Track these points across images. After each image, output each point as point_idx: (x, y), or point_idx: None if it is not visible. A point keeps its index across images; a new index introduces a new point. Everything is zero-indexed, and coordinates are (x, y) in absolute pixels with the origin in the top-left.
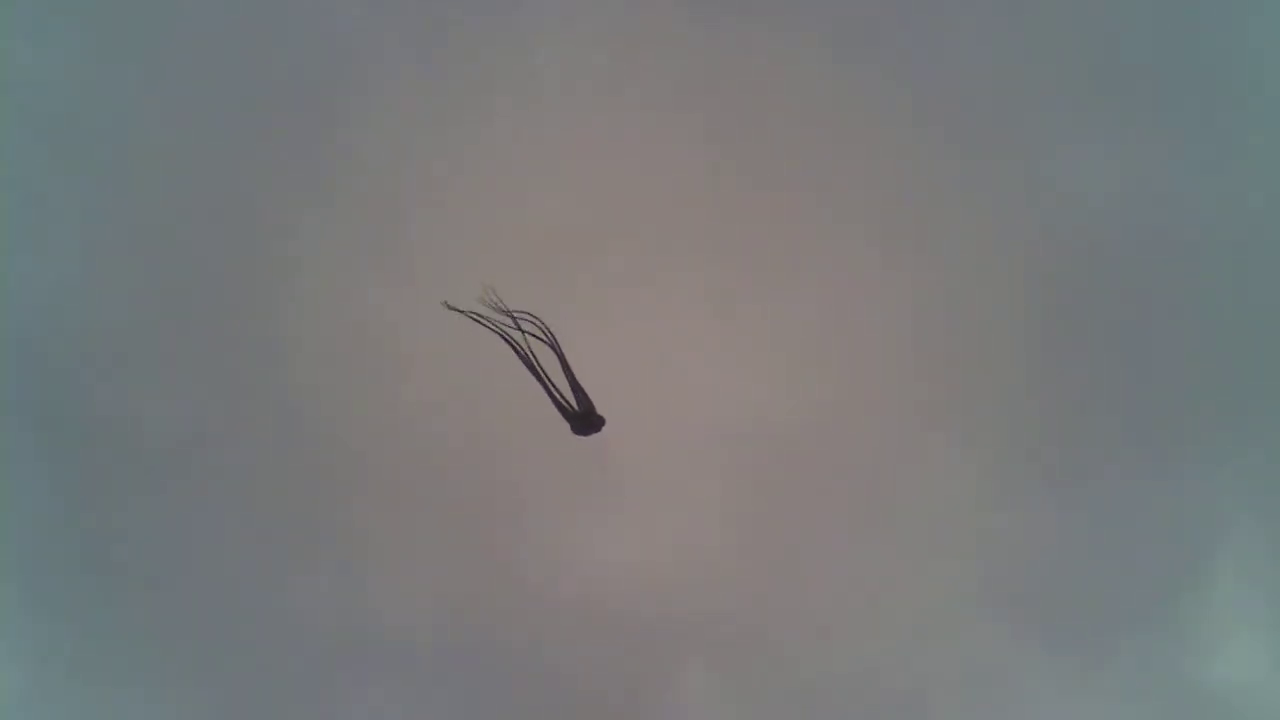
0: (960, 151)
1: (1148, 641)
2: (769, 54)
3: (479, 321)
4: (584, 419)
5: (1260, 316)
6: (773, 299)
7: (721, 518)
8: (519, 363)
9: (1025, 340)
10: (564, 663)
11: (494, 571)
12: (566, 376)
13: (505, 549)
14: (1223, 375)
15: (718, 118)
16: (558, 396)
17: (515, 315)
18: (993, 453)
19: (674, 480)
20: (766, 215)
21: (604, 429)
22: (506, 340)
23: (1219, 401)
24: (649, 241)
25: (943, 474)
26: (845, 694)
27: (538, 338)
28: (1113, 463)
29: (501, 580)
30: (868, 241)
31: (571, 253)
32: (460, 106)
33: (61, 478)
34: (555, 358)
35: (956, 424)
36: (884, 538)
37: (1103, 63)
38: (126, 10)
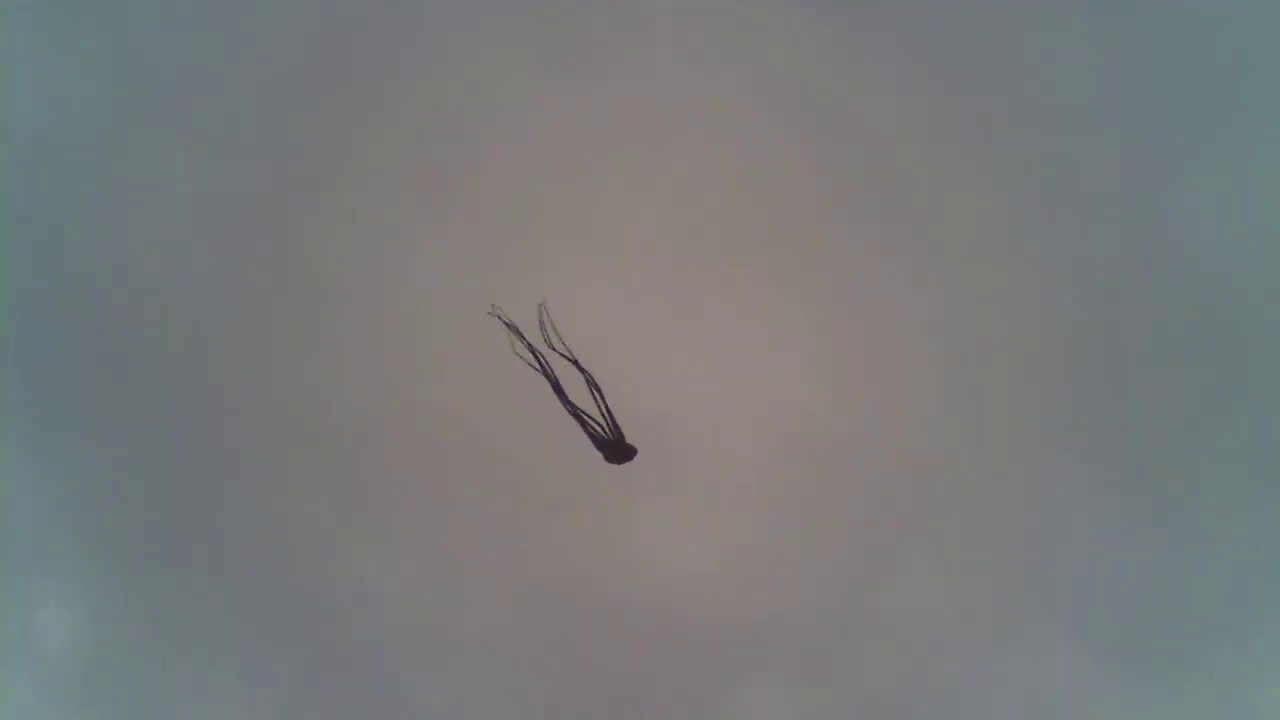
0: (1072, 178)
1: (1224, 671)
2: (882, 78)
3: (520, 345)
4: (616, 447)
5: None
6: (871, 314)
7: (792, 523)
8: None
9: (1119, 366)
10: (628, 662)
11: (564, 570)
12: (600, 407)
13: (574, 549)
14: None
15: (808, 133)
16: (591, 427)
17: (554, 349)
18: (1079, 473)
19: (743, 487)
20: (863, 233)
21: (635, 458)
22: (540, 369)
23: None
24: (719, 250)
25: (1023, 489)
26: (911, 706)
27: (576, 365)
28: (1201, 493)
29: (570, 579)
30: (971, 260)
31: (644, 257)
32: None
33: (155, 455)
34: (588, 388)
35: (1040, 443)
36: (959, 552)
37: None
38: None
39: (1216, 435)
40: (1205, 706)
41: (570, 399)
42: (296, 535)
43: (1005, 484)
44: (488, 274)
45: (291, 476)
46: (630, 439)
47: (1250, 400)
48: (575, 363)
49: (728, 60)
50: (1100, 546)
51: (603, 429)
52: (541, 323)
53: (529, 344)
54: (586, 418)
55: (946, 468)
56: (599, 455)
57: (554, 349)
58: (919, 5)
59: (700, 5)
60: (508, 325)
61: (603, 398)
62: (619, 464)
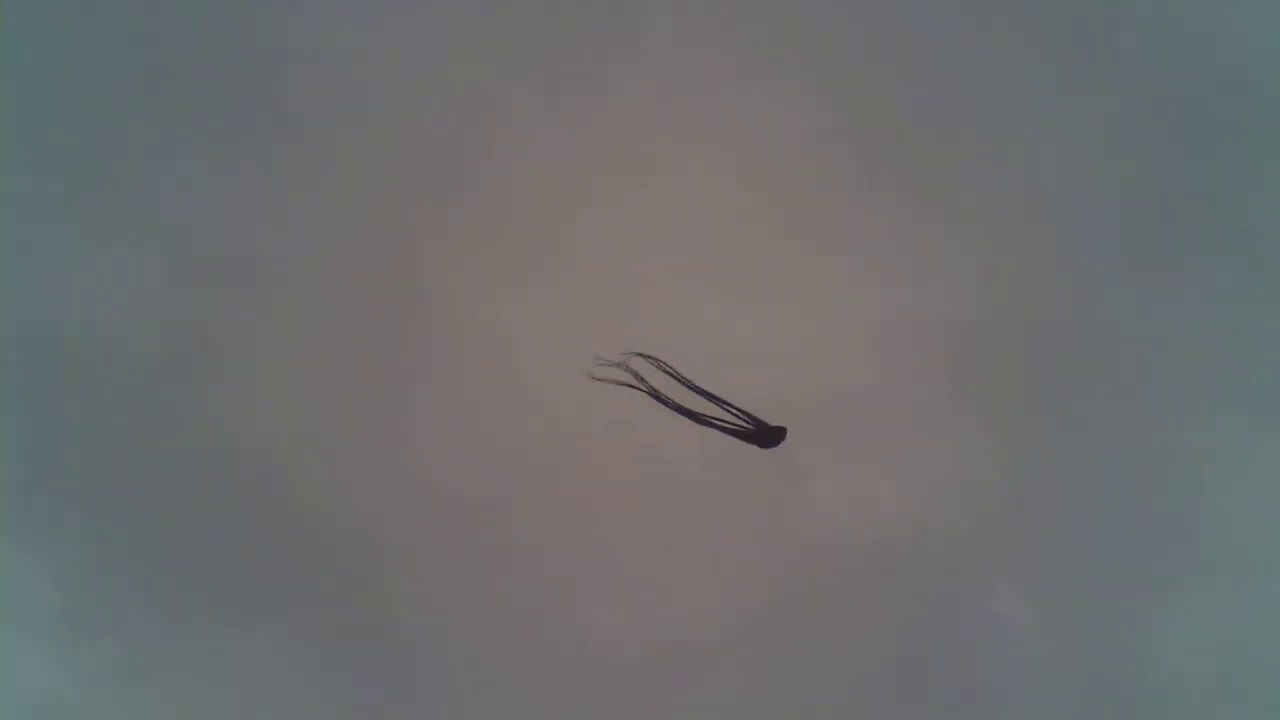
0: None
1: None
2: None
3: (632, 386)
4: (767, 434)
5: None
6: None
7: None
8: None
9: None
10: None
11: None
12: (720, 405)
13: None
14: None
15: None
16: (729, 427)
17: (637, 372)
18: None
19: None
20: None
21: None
22: (654, 396)
23: None
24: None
25: None
26: None
27: (688, 384)
28: None
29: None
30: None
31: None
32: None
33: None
34: (705, 399)
35: None
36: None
37: None
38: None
39: None
40: None
41: (697, 413)
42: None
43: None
44: (571, 329)
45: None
46: (772, 422)
47: None
48: (687, 383)
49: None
50: None
51: (740, 423)
52: (620, 365)
53: (639, 388)
54: (720, 422)
55: None
56: (754, 448)
57: (657, 380)
58: None
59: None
60: (624, 378)
61: (722, 399)
62: (775, 447)
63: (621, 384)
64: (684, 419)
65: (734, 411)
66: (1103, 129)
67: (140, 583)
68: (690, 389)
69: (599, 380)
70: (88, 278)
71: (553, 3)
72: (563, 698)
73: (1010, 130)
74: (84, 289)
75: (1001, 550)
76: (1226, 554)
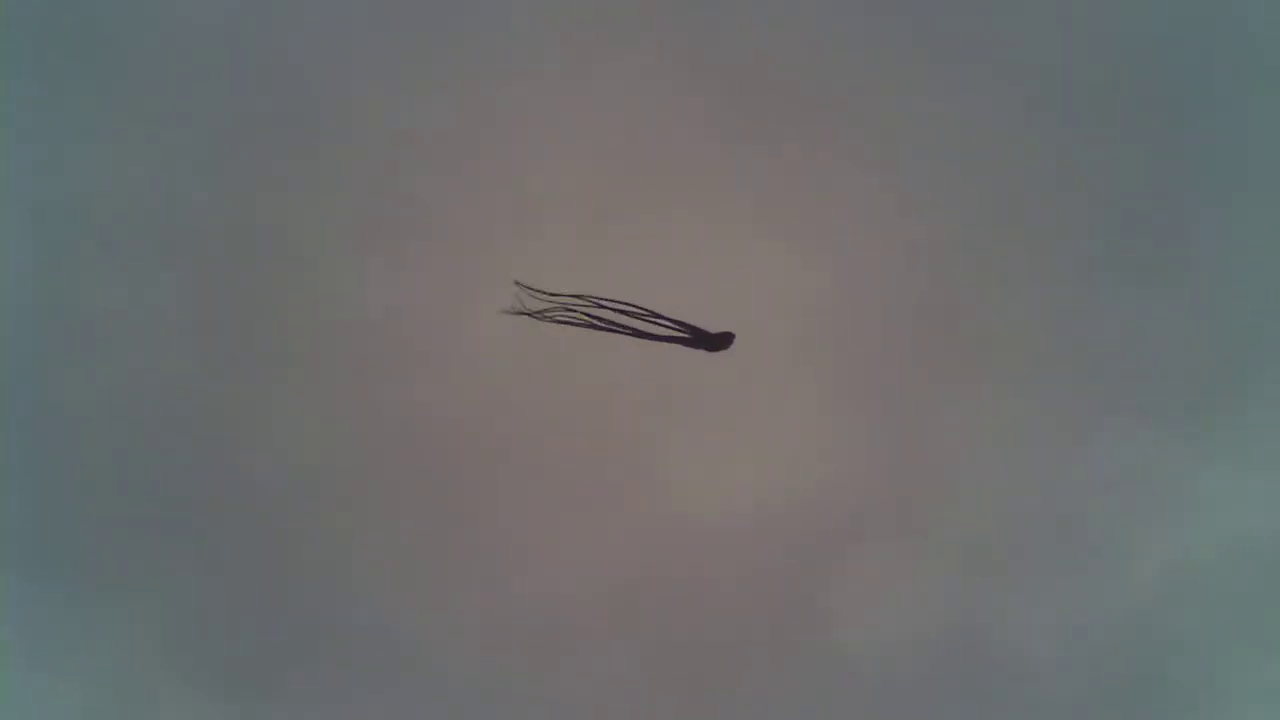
0: None
1: None
2: None
3: (548, 319)
4: (710, 339)
5: None
6: None
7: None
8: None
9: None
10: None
11: None
12: (657, 320)
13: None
14: None
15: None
16: (666, 334)
17: (566, 300)
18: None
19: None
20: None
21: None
22: (582, 322)
23: None
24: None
25: None
26: None
27: (603, 305)
28: None
29: None
30: None
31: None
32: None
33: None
34: (626, 315)
35: None
36: None
37: None
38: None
39: None
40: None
41: (642, 330)
42: None
43: None
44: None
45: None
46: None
47: None
48: (625, 307)
49: None
50: None
51: (681, 332)
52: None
53: (554, 312)
54: (666, 335)
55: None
56: (701, 353)
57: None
58: None
59: None
60: (531, 304)
61: (655, 313)
62: (724, 350)
63: (561, 322)
64: (630, 337)
65: (675, 325)
66: (962, 122)
67: None
68: (629, 311)
69: (539, 318)
70: None
71: None
72: (422, 682)
73: (879, 118)
74: None
75: (855, 530)
76: (1077, 537)
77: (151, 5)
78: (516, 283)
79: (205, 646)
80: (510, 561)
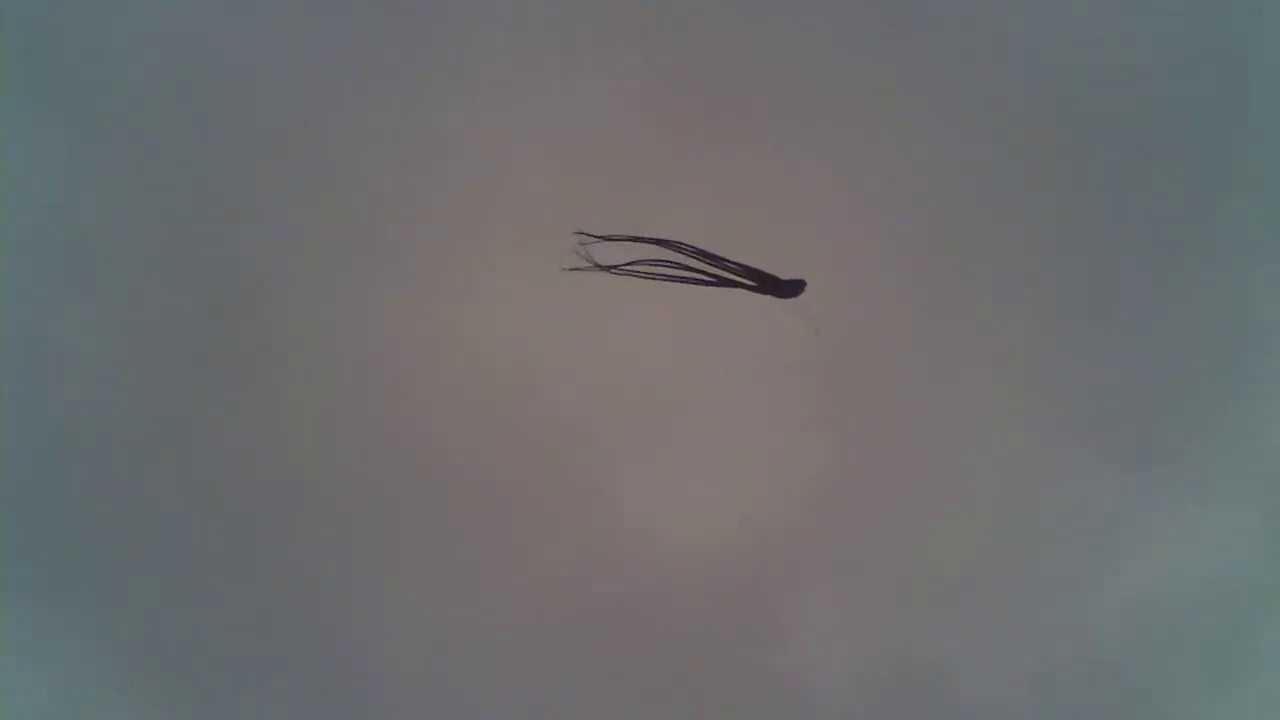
0: None
1: None
2: None
3: (615, 270)
4: (781, 285)
5: None
6: None
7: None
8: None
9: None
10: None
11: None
12: (725, 265)
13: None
14: None
15: None
16: (746, 284)
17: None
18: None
19: None
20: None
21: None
22: (649, 273)
23: None
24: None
25: None
26: None
27: (670, 246)
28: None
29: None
30: None
31: None
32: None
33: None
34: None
35: None
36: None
37: None
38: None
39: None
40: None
41: (702, 272)
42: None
43: None
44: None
45: None
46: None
47: None
48: (672, 243)
49: None
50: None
51: (749, 279)
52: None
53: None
54: (728, 280)
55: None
56: (774, 300)
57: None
58: None
59: None
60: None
61: (723, 258)
62: (795, 297)
63: (628, 272)
64: (703, 285)
65: (745, 270)
66: (925, 128)
67: None
68: (701, 257)
69: (606, 270)
70: None
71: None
72: (362, 699)
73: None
74: None
75: (812, 555)
76: (1031, 563)
77: (114, 20)
78: (579, 232)
79: (167, 663)
80: (465, 580)
